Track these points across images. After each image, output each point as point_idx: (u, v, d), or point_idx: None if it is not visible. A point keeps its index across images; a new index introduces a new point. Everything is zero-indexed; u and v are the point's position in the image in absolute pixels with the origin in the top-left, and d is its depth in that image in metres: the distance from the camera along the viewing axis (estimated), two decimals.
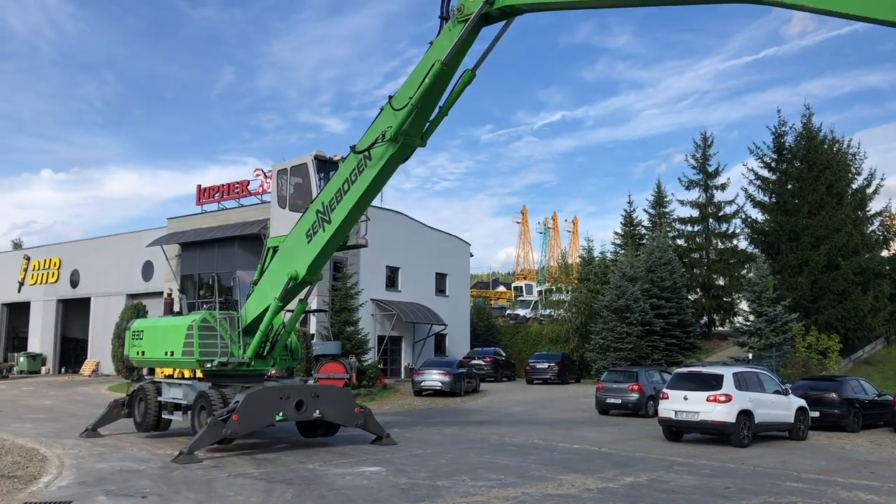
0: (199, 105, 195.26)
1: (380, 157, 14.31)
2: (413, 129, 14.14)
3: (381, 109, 14.53)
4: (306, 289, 16.63)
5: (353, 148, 14.83)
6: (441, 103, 14.26)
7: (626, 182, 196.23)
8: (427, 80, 13.37)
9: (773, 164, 42.82)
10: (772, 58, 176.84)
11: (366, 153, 14.48)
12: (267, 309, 16.11)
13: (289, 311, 17.03)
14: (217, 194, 40.30)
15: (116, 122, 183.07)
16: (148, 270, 45.03)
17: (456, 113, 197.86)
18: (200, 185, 40.96)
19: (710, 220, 48.26)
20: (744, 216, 45.09)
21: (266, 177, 37.39)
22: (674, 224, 49.48)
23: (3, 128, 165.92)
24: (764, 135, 57.21)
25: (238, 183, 39.42)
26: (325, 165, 16.70)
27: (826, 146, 41.61)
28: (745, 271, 43.69)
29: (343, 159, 15.64)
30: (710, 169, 48.46)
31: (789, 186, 41.30)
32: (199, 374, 17.46)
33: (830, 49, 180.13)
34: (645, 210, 51.33)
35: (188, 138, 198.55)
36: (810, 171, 40.14)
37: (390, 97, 14.27)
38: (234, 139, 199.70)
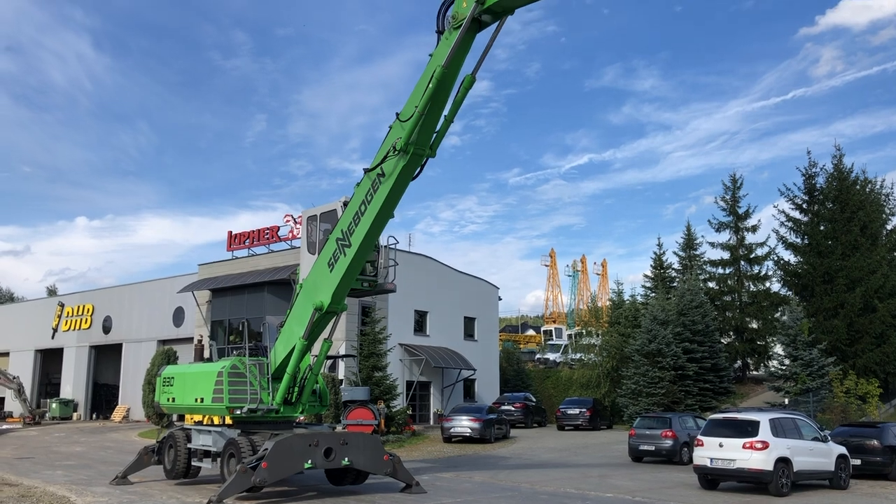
0: (231, 152, 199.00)
1: (392, 170, 14.55)
2: (421, 138, 14.42)
3: (390, 127, 14.89)
4: (331, 324, 16.57)
5: (366, 170, 15.11)
6: (446, 113, 14.55)
7: (655, 224, 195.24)
8: (431, 85, 13.72)
9: (804, 206, 42.40)
10: (800, 98, 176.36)
11: (379, 170, 14.74)
12: (294, 350, 16.13)
13: (314, 356, 17.03)
14: (247, 240, 40.73)
15: (150, 169, 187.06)
16: (179, 316, 45.45)
17: (483, 156, 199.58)
18: (231, 232, 41.46)
19: (742, 263, 47.74)
20: (776, 258, 44.57)
21: (296, 222, 37.75)
22: (704, 266, 49.01)
23: (42, 177, 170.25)
24: (794, 176, 57.01)
25: (268, 229, 39.85)
26: None
27: (858, 187, 41.15)
28: (778, 314, 42.98)
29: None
30: (740, 211, 48.12)
31: (822, 228, 40.80)
32: (228, 420, 17.43)
33: (860, 88, 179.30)
34: (675, 252, 51.00)
35: (220, 185, 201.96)
36: (843, 212, 39.66)
37: (397, 113, 14.65)
38: (265, 185, 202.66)
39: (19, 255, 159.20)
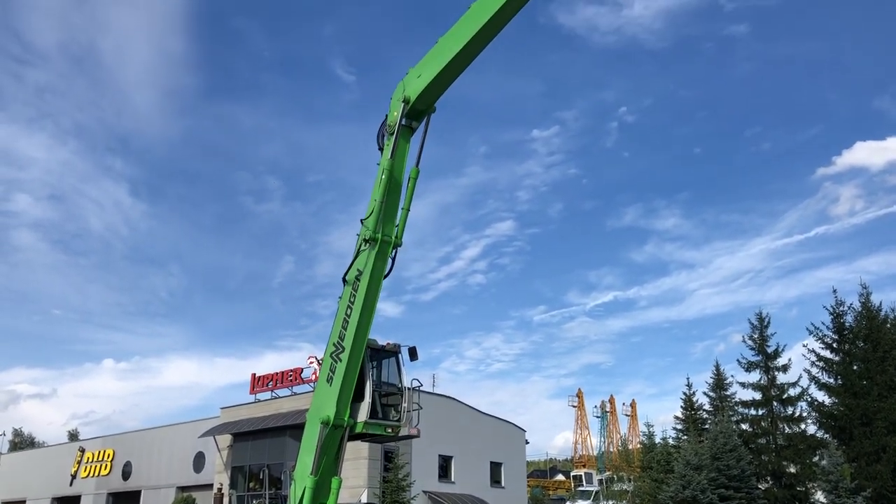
0: (259, 293, 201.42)
1: (365, 262, 15.58)
2: (385, 229, 15.72)
3: (358, 235, 16.11)
4: (340, 445, 16.05)
5: (344, 278, 15.98)
6: (402, 205, 15.97)
7: (684, 362, 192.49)
8: (384, 176, 15.51)
9: (834, 345, 41.55)
10: (823, 236, 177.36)
11: (356, 272, 15.68)
12: (305, 491, 15.61)
13: None
14: (270, 383, 40.58)
15: (178, 311, 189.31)
16: (199, 461, 44.62)
17: (508, 294, 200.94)
18: (255, 374, 41.39)
19: (775, 403, 46.31)
20: (809, 399, 43.24)
21: (319, 364, 37.64)
22: (736, 407, 47.60)
23: (71, 320, 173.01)
24: (823, 313, 56.18)
25: (292, 371, 39.75)
26: (378, 354, 16.81)
27: (889, 325, 40.48)
28: (816, 458, 41.31)
29: (395, 345, 16.81)
30: (770, 350, 47.07)
31: (855, 368, 39.77)
32: None
33: (882, 226, 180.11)
34: (705, 393, 49.72)
35: (246, 325, 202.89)
36: (875, 352, 38.78)
37: (362, 219, 15.97)
38: (292, 325, 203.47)
39: (45, 398, 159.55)
